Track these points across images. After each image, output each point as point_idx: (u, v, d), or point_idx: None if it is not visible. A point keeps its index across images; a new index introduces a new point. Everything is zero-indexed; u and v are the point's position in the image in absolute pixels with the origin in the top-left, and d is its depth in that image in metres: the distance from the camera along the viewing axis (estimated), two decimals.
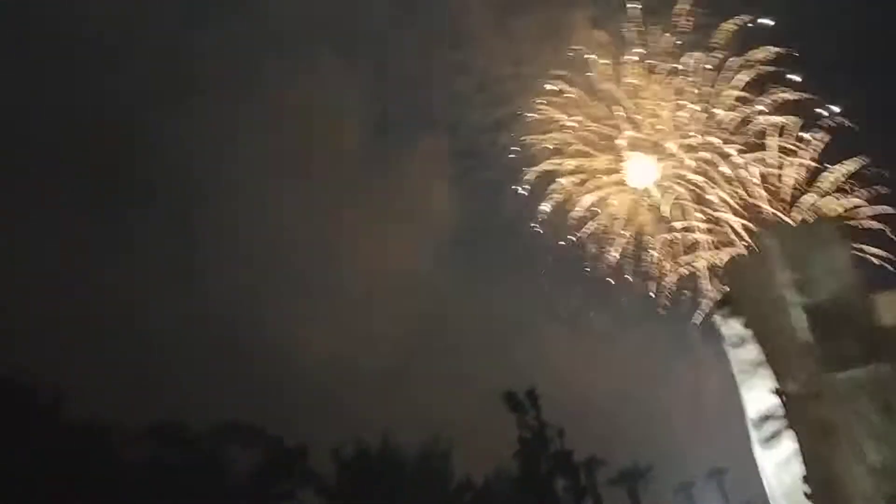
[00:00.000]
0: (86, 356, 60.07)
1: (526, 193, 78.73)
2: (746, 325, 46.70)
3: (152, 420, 48.86)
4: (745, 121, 74.46)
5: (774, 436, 46.07)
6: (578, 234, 78.20)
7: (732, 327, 48.09)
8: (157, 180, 75.34)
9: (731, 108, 75.29)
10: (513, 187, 79.55)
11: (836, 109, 72.01)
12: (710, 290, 73.91)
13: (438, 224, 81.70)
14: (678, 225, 77.24)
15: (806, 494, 39.35)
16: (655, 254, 77.36)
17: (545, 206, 79.04)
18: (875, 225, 70.76)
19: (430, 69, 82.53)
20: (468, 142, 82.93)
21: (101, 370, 58.89)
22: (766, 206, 74.21)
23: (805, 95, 71.73)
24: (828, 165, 72.92)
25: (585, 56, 79.37)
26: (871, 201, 70.30)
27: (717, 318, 49.19)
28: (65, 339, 60.86)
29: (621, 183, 79.89)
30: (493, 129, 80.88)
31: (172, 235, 75.49)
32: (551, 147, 79.99)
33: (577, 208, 78.48)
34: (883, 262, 68.39)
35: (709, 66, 75.15)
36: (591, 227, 78.52)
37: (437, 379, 69.00)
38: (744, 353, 47.68)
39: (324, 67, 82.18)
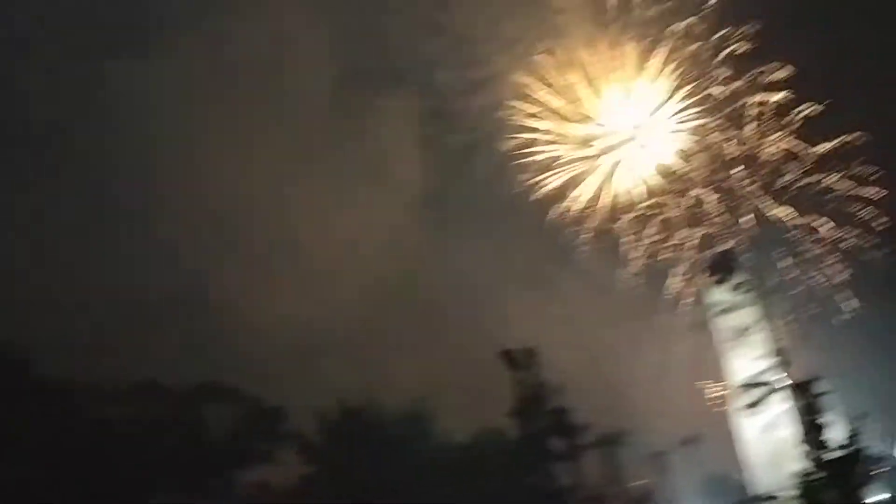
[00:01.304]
0: (58, 319, 58.23)
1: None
2: None
3: (129, 381, 47.40)
4: (726, 98, 75.67)
5: (758, 402, 47.11)
6: (557, 207, 79.02)
7: (720, 295, 48.88)
8: (113, 139, 72.81)
9: (712, 84, 76.37)
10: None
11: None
12: (688, 263, 75.30)
13: (409, 185, 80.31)
14: (651, 201, 78.27)
15: None
16: (630, 230, 78.63)
17: (521, 176, 79.55)
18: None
19: (402, 25, 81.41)
20: (441, 102, 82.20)
21: (74, 332, 57.17)
22: (743, 185, 75.63)
23: (784, 72, 73.25)
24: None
25: (564, 22, 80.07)
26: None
27: (704, 285, 49.96)
28: (38, 302, 59.01)
29: (596, 157, 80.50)
30: (469, 91, 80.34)
31: (136, 197, 73.25)
32: (527, 115, 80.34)
33: (552, 179, 78.99)
34: None
35: (689, 41, 76.43)
36: (568, 199, 79.31)
37: (416, 340, 68.73)
38: (730, 321, 48.52)
39: (288, 18, 79.47)
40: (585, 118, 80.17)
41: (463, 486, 44.67)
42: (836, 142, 70.61)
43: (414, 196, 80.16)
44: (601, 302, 77.29)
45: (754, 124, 74.75)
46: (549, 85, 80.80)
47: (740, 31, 73.38)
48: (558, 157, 79.89)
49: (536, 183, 79.23)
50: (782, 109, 73.70)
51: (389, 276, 75.54)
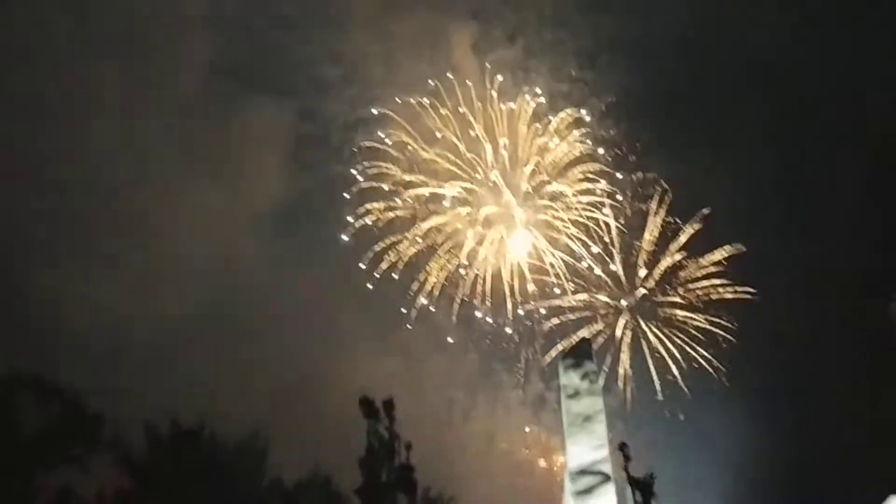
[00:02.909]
0: None
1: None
2: None
3: None
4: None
5: (589, 490, 47.99)
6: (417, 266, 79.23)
7: (572, 378, 49.89)
8: None
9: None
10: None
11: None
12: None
13: (265, 200, 78.23)
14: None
15: None
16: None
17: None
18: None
19: (298, 44, 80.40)
20: (320, 129, 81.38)
21: None
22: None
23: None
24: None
25: (456, 81, 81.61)
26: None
27: (560, 366, 50.89)
28: None
29: (468, 223, 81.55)
30: (349, 126, 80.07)
31: None
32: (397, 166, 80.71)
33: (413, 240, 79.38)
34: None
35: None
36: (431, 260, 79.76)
37: (250, 367, 66.64)
38: (576, 406, 49.53)
39: None
40: (460, 175, 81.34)
41: None
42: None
43: (268, 215, 78.05)
44: (447, 363, 77.93)
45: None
46: (430, 140, 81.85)
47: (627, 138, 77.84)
48: (424, 218, 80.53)
49: (397, 241, 79.52)
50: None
51: (231, 291, 72.89)
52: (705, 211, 77.81)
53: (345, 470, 45.98)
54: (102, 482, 45.32)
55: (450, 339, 78.90)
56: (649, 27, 79.80)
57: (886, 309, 62.40)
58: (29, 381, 45.77)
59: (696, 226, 78.20)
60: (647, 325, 78.40)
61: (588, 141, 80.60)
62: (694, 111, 77.71)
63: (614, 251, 79.56)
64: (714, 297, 78.69)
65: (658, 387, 76.68)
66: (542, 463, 78.06)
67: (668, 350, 77.66)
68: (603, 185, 79.40)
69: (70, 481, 45.59)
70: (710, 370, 76.06)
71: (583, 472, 48.23)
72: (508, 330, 78.97)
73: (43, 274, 64.67)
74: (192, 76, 77.11)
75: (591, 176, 79.92)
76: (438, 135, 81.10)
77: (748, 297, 77.27)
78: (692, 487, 64.52)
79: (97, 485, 45.33)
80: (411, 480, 38.64)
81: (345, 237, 77.92)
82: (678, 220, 78.90)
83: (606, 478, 48.05)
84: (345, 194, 79.52)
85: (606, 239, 79.51)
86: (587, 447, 48.72)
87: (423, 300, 77.65)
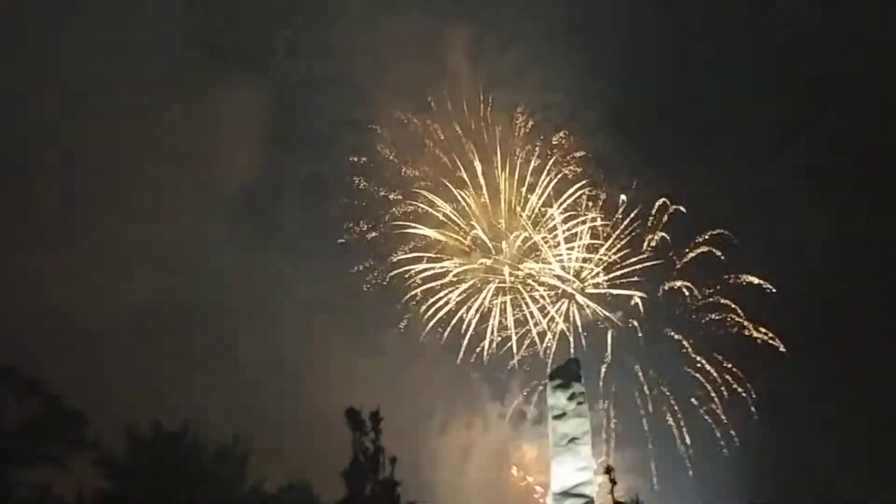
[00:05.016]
0: None
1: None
2: None
3: None
4: None
5: None
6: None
7: (559, 399, 49.79)
8: None
9: None
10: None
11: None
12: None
13: (235, 178, 77.11)
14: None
15: None
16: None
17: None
18: None
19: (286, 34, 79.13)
20: (304, 123, 79.83)
21: None
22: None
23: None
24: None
25: (448, 94, 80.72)
26: None
27: (548, 386, 50.76)
28: None
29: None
30: (340, 125, 78.71)
31: None
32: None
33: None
34: None
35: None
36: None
37: (237, 374, 65.87)
38: (562, 427, 49.49)
39: None
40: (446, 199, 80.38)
41: None
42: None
43: (237, 200, 76.68)
44: (431, 377, 77.18)
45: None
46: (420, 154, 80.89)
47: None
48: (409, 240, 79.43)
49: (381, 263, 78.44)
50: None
51: (206, 284, 71.45)
52: (730, 236, 75.54)
53: (326, 479, 45.71)
54: (82, 482, 44.64)
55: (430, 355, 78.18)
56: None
57: None
58: (6, 374, 45.07)
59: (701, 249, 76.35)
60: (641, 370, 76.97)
61: (578, 167, 79.97)
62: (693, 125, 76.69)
63: (602, 279, 78.90)
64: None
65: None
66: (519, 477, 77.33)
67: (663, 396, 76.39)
68: (595, 214, 78.71)
69: (50, 480, 45.01)
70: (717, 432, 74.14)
71: (566, 493, 48.18)
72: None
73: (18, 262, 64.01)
74: (167, 54, 76.39)
75: (583, 200, 79.42)
76: (428, 148, 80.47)
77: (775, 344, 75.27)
78: None
79: (77, 485, 44.66)
80: (395, 496, 38.21)
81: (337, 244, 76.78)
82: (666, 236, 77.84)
83: (590, 501, 48.01)
84: (331, 209, 78.80)
85: (597, 267, 78.76)
86: (572, 468, 48.74)
87: (404, 322, 77.02)
